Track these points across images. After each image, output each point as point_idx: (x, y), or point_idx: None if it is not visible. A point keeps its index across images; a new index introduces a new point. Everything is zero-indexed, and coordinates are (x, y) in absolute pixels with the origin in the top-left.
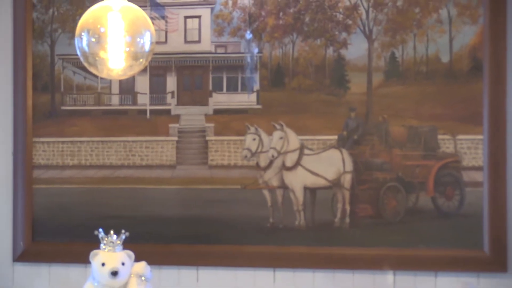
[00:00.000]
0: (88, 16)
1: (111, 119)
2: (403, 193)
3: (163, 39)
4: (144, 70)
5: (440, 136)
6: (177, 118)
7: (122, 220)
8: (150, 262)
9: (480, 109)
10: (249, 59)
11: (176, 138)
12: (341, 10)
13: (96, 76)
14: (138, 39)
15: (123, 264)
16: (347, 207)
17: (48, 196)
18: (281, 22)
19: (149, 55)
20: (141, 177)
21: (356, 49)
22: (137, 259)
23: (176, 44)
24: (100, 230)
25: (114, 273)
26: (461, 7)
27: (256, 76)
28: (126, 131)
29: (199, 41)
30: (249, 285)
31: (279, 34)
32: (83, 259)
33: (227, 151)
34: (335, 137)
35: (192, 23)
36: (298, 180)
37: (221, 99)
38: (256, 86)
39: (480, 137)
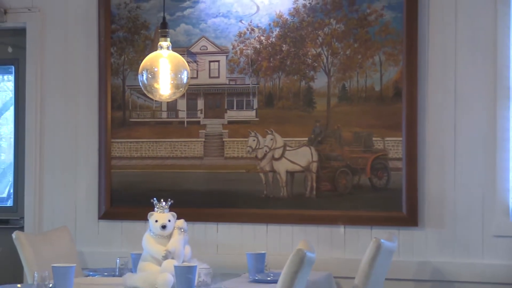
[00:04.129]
0: (147, 60)
1: (161, 127)
2: (350, 175)
3: (195, 75)
4: (182, 95)
5: (374, 138)
6: (204, 126)
7: (169, 193)
8: (186, 220)
9: (400, 120)
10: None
11: (203, 139)
12: (310, 56)
13: (152, 99)
14: (179, 75)
15: (169, 221)
16: (314, 184)
17: (121, 177)
18: (271, 64)
19: (186, 86)
20: (181, 164)
21: (319, 82)
22: (178, 218)
23: (203, 78)
24: (154, 199)
25: (164, 227)
26: (388, 54)
27: (255, 99)
28: (171, 135)
29: (218, 77)
30: (250, 235)
31: (270, 72)
32: (144, 218)
33: (237, 148)
34: (306, 138)
35: (214, 65)
36: (282, 167)
37: (233, 114)
38: (255, 106)
39: (400, 139)
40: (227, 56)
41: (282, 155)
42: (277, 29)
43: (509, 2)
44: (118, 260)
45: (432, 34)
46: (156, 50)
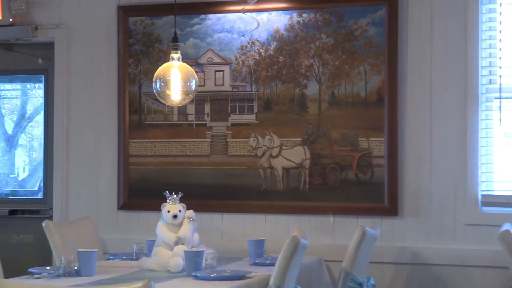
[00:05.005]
0: (160, 70)
1: (172, 129)
2: (339, 171)
3: (202, 84)
4: (191, 101)
5: (359, 138)
6: (210, 128)
7: (179, 186)
8: (195, 210)
9: (382, 123)
10: (252, 95)
11: (209, 140)
12: (303, 67)
13: (164, 105)
14: (188, 83)
15: (180, 211)
16: (307, 179)
17: (137, 173)
18: (269, 73)
19: (195, 92)
20: (190, 161)
21: (312, 89)
22: (187, 208)
23: (210, 86)
24: (167, 192)
25: (175, 216)
26: (372, 65)
27: (255, 104)
28: (181, 135)
29: (223, 85)
30: (251, 223)
31: (268, 80)
32: (157, 208)
33: (239, 147)
34: (300, 139)
35: (219, 74)
36: (279, 164)
37: (235, 118)
38: (255, 110)
39: (382, 139)
40: (230, 66)
41: (279, 154)
42: (275, 43)
43: (478, 20)
44: (135, 246)
45: (410, 48)
46: (168, 61)
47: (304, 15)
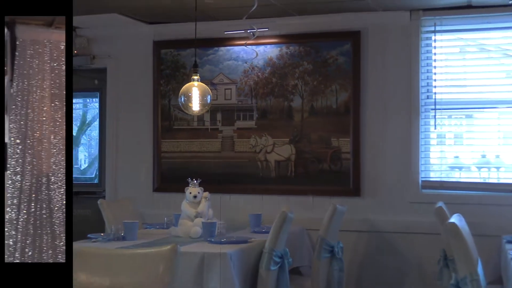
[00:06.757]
0: (183, 88)
1: (193, 132)
2: (316, 163)
3: (215, 98)
4: (207, 111)
5: (332, 139)
6: (221, 131)
7: (198, 174)
8: (210, 192)
9: (349, 128)
10: (253, 105)
11: (221, 140)
12: (290, 86)
13: (187, 114)
14: (205, 98)
15: (199, 192)
16: (293, 169)
17: (168, 164)
18: (265, 91)
19: (210, 105)
20: (206, 156)
21: (296, 102)
22: (204, 190)
23: (221, 100)
24: (189, 178)
25: (195, 196)
26: (341, 85)
27: (255, 113)
28: (200, 137)
29: (230, 99)
30: (250, 202)
31: (264, 96)
32: (182, 190)
33: (242, 145)
34: (288, 139)
35: (228, 91)
36: (272, 158)
37: (240, 123)
38: (255, 118)
39: (348, 139)
40: (236, 85)
41: (272, 150)
42: (269, 68)
43: (418, 52)
44: (166, 218)
45: (369, 72)
46: (190, 82)
47: (291, 47)
